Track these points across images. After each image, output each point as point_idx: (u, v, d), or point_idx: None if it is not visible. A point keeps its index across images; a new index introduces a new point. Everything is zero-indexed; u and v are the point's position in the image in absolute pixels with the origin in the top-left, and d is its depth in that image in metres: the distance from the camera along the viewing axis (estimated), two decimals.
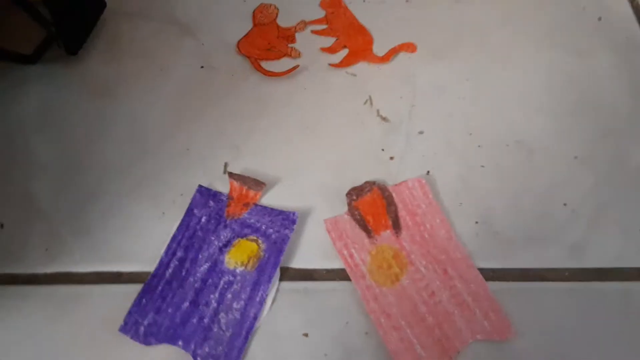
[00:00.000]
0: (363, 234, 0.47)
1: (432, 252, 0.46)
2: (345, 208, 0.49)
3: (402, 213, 0.48)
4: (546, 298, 0.45)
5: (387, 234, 0.47)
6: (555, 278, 0.46)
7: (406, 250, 0.46)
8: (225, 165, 0.52)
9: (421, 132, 0.54)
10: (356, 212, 0.48)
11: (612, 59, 0.59)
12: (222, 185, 0.50)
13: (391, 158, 0.52)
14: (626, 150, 0.52)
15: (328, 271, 0.46)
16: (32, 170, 0.51)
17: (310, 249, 0.47)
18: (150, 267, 0.46)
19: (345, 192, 0.49)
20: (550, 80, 0.57)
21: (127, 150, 0.52)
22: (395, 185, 0.49)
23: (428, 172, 0.51)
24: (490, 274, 0.46)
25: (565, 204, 0.49)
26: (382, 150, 0.53)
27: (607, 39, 0.61)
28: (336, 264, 0.47)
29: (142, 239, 0.47)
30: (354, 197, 0.49)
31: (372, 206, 0.48)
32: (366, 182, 0.49)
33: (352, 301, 0.45)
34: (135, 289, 0.45)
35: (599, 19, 0.62)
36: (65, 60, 0.58)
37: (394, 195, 0.49)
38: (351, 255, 0.47)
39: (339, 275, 0.46)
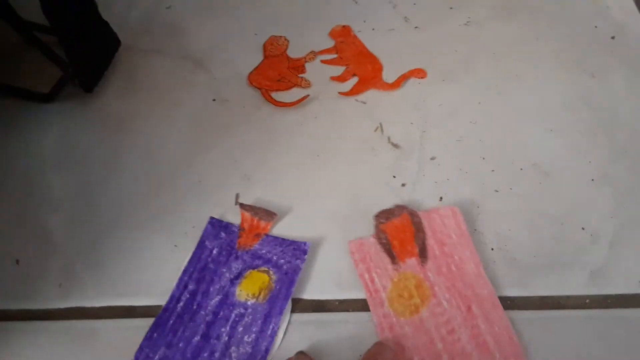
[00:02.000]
0: (387, 259, 0.46)
1: (458, 286, 0.44)
2: (358, 235, 0.48)
3: (430, 241, 0.47)
4: (566, 327, 0.43)
5: (413, 261, 0.46)
6: (575, 305, 0.44)
7: (430, 281, 0.45)
8: (237, 196, 0.52)
9: (433, 158, 0.53)
10: (383, 236, 0.47)
11: (627, 77, 0.58)
12: (234, 216, 0.50)
13: (403, 185, 0.52)
14: None
15: (340, 302, 0.46)
16: (48, 205, 0.52)
17: (323, 279, 0.47)
18: (162, 300, 0.46)
19: (356, 220, 0.49)
20: (564, 101, 0.56)
21: (140, 184, 0.53)
22: (427, 211, 0.48)
23: (441, 198, 0.51)
24: (508, 303, 0.44)
25: (583, 228, 0.48)
26: (394, 177, 0.52)
27: (621, 57, 0.60)
28: (349, 294, 0.46)
29: (155, 272, 0.48)
30: (382, 220, 0.48)
31: (400, 231, 0.47)
32: (396, 206, 0.48)
33: (365, 333, 0.44)
34: (147, 322, 0.45)
35: (612, 37, 0.62)
36: (81, 98, 0.59)
37: (424, 222, 0.47)
38: (372, 280, 0.45)
39: (352, 306, 0.45)
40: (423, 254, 0.46)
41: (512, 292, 0.45)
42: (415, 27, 0.64)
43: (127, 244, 0.49)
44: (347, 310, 0.45)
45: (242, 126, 0.57)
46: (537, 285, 0.45)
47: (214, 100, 0.59)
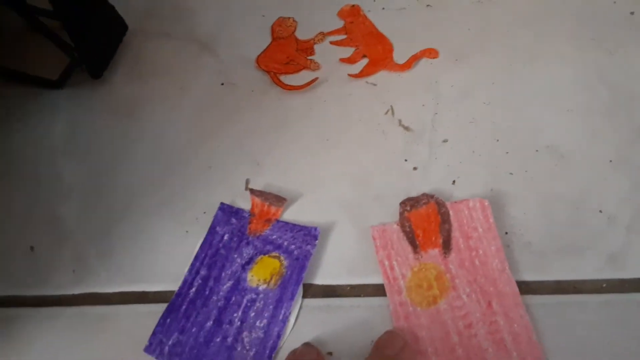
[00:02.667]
0: (409, 248, 0.46)
1: (479, 281, 0.43)
2: (369, 220, 0.48)
3: (455, 234, 0.46)
4: (582, 311, 0.43)
5: (435, 252, 0.45)
6: (591, 290, 0.44)
7: (451, 274, 0.44)
8: (247, 181, 0.51)
9: (445, 141, 0.52)
10: (407, 224, 0.47)
11: None
12: (244, 202, 0.50)
13: (414, 168, 0.51)
14: None
15: (352, 287, 0.45)
16: (60, 192, 0.52)
17: (333, 264, 0.47)
18: (174, 286, 0.46)
19: (367, 205, 0.49)
20: (580, 80, 0.55)
21: (150, 170, 0.53)
22: (455, 202, 0.47)
23: (454, 181, 0.50)
24: (523, 287, 0.43)
25: (600, 211, 0.47)
26: (405, 160, 0.51)
27: None
28: (360, 279, 0.46)
29: (166, 258, 0.48)
30: (408, 208, 0.47)
31: (425, 220, 0.46)
32: (424, 194, 0.47)
33: (376, 318, 0.44)
34: (160, 308, 0.45)
35: (632, 13, 0.59)
36: (90, 83, 0.59)
37: (451, 212, 0.46)
38: (392, 268, 0.45)
39: (363, 291, 0.45)
40: (447, 246, 0.45)
41: (527, 276, 0.44)
42: (427, 5, 0.62)
43: (138, 230, 0.49)
44: (359, 295, 0.45)
45: (251, 110, 0.56)
46: (552, 269, 0.45)
47: (222, 84, 0.58)
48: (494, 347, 0.41)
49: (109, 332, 0.45)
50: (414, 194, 0.49)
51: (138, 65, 0.60)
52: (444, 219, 0.46)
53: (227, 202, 0.50)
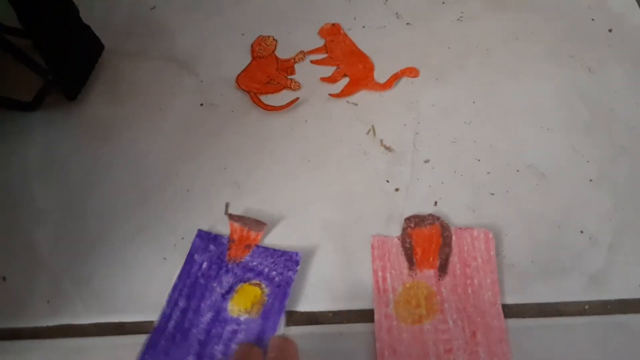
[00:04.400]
0: (405, 264, 0.46)
1: (469, 310, 0.43)
2: (352, 243, 0.48)
3: (454, 259, 0.46)
4: (565, 334, 0.42)
5: (430, 273, 0.45)
6: (574, 312, 0.43)
7: (442, 297, 0.44)
8: (227, 204, 0.51)
9: (427, 161, 0.52)
10: (408, 240, 0.47)
11: (625, 71, 0.57)
12: (224, 227, 0.49)
13: (397, 189, 0.50)
14: None
15: (334, 313, 0.45)
16: (34, 218, 0.51)
17: (315, 290, 0.46)
18: (152, 316, 0.45)
19: (349, 228, 0.48)
20: (560, 98, 0.55)
21: (127, 194, 0.52)
22: (460, 228, 0.47)
23: (436, 202, 0.49)
24: (507, 311, 0.43)
25: (582, 231, 0.47)
26: (387, 181, 0.51)
27: (619, 51, 0.58)
28: (342, 305, 0.45)
29: (144, 286, 0.47)
30: (412, 225, 0.47)
31: (427, 240, 0.46)
32: (430, 215, 0.48)
33: (359, 345, 0.43)
34: (137, 340, 0.44)
35: (610, 30, 0.60)
36: (65, 105, 0.58)
37: (453, 238, 0.46)
38: (384, 279, 0.45)
39: (346, 317, 0.44)
40: (443, 269, 0.45)
41: (509, 299, 0.44)
42: (407, 24, 0.62)
43: (114, 258, 0.48)
44: (341, 322, 0.44)
45: (231, 131, 0.55)
46: (535, 291, 0.44)
47: (201, 104, 0.57)
48: None
49: None
50: (396, 216, 0.49)
51: (115, 86, 0.59)
52: (446, 243, 0.46)
53: (206, 227, 0.49)
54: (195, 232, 0.49)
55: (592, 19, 0.61)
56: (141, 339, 0.44)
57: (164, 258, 0.48)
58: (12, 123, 0.57)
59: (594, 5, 0.62)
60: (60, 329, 0.45)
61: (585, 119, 0.53)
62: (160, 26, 0.64)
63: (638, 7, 0.61)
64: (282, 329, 0.44)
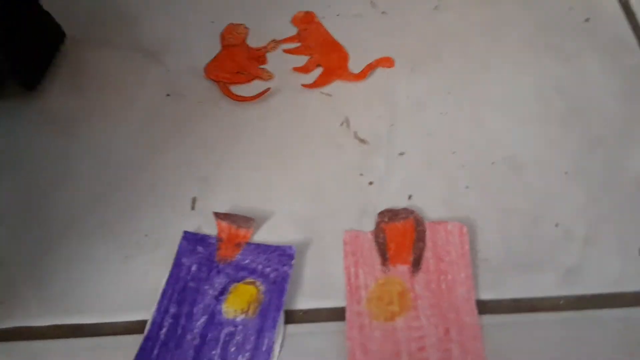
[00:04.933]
0: (378, 260, 0.44)
1: (442, 306, 0.42)
2: (323, 239, 0.46)
3: (428, 254, 0.44)
4: (540, 330, 0.41)
5: (404, 269, 0.44)
6: (549, 308, 0.43)
7: (415, 293, 0.43)
8: (194, 200, 0.49)
9: (402, 154, 0.50)
10: (381, 235, 0.45)
11: (602, 62, 0.56)
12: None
13: (370, 183, 0.49)
14: (619, 161, 0.49)
15: (305, 312, 0.43)
16: None
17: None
18: (112, 317, 0.43)
19: (320, 223, 0.47)
20: (536, 88, 0.54)
21: (89, 190, 0.49)
22: (433, 222, 0.46)
23: (410, 196, 0.48)
24: (481, 307, 0.42)
25: (557, 225, 0.46)
26: (361, 175, 0.50)
27: (595, 40, 0.58)
28: (314, 303, 0.43)
29: (104, 286, 0.44)
30: (385, 219, 0.46)
31: (401, 235, 0.45)
32: (404, 209, 0.46)
33: (331, 345, 0.41)
34: (97, 342, 0.42)
35: (587, 19, 0.59)
36: (24, 96, 0.55)
37: (427, 232, 0.45)
38: (357, 276, 0.44)
39: (317, 316, 0.43)
40: (416, 264, 0.44)
41: (483, 295, 0.43)
42: (382, 12, 0.61)
43: (73, 256, 0.46)
44: (313, 321, 0.43)
45: (199, 123, 0.53)
46: (509, 287, 0.43)
47: (168, 95, 0.55)
48: None
49: None
50: (370, 210, 0.47)
51: (77, 77, 0.57)
52: (419, 237, 0.45)
53: (172, 223, 0.47)
54: (159, 230, 0.47)
55: (570, 8, 0.60)
56: (101, 342, 0.42)
57: (126, 257, 0.46)
58: None
59: None
60: (15, 332, 0.43)
61: (560, 111, 0.53)
62: (126, 13, 0.61)
63: None
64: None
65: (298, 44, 0.59)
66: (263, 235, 0.47)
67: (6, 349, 0.42)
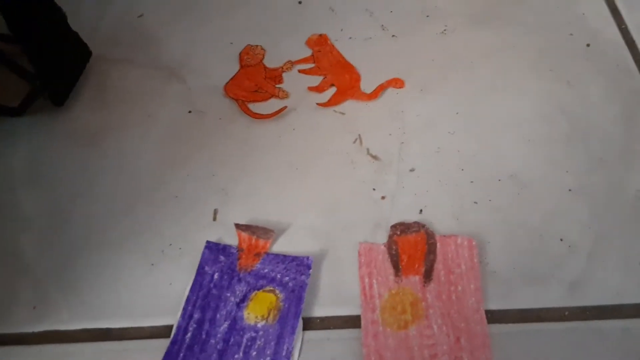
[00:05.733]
0: (391, 270, 0.47)
1: (453, 316, 0.44)
2: (338, 250, 0.48)
3: (438, 266, 0.47)
4: (545, 340, 0.43)
5: (415, 279, 0.46)
6: (554, 318, 0.45)
7: (427, 303, 0.45)
8: (215, 211, 0.51)
9: (412, 170, 0.53)
10: (394, 247, 0.48)
11: (603, 86, 0.58)
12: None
13: (382, 198, 0.51)
14: (621, 179, 0.51)
15: (321, 319, 0.45)
16: (19, 224, 0.51)
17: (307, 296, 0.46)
18: (139, 322, 0.45)
19: (335, 235, 0.49)
20: (540, 110, 0.57)
21: (114, 201, 0.52)
22: (444, 236, 0.48)
23: (421, 210, 0.50)
24: (489, 317, 0.44)
25: (562, 239, 0.48)
26: (374, 189, 0.52)
27: (596, 65, 0.60)
28: (329, 311, 0.45)
29: (131, 292, 0.47)
30: (398, 232, 0.48)
31: (412, 247, 0.47)
32: (415, 222, 0.49)
33: (347, 351, 0.43)
34: (124, 346, 0.44)
35: (587, 45, 0.62)
36: (52, 111, 0.57)
37: (438, 245, 0.48)
38: (371, 286, 0.46)
39: (333, 323, 0.45)
40: (428, 276, 0.46)
41: (492, 305, 0.45)
42: (393, 36, 0.64)
43: (101, 264, 0.48)
44: (329, 328, 0.45)
45: (219, 139, 0.56)
46: (516, 298, 0.46)
47: (189, 112, 0.58)
48: None
49: None
50: (382, 223, 0.50)
51: (102, 93, 0.59)
52: (431, 250, 0.47)
53: (195, 232, 0.49)
54: (183, 239, 0.49)
55: (571, 34, 0.63)
56: (127, 345, 0.44)
57: (152, 264, 0.48)
58: None
59: (572, 21, 0.64)
60: (46, 335, 0.45)
61: (565, 131, 0.55)
62: (148, 34, 0.64)
63: (614, 23, 0.64)
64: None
65: (312, 65, 0.62)
66: (281, 246, 0.49)
67: (37, 352, 0.44)
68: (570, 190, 0.51)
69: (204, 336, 0.44)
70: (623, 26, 0.64)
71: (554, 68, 0.60)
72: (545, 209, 0.50)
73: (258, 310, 0.45)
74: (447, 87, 0.59)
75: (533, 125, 0.56)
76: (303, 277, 0.46)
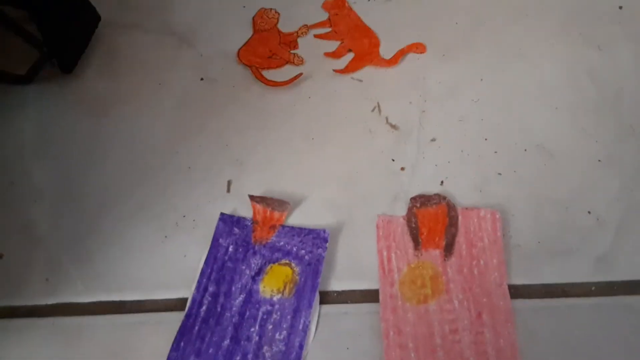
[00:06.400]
0: (410, 244, 0.45)
1: (475, 291, 0.43)
2: (356, 222, 0.47)
3: (460, 239, 0.45)
4: (571, 315, 0.42)
5: (436, 253, 0.45)
6: (580, 293, 0.43)
7: (447, 277, 0.44)
8: (229, 183, 0.50)
9: (433, 140, 0.51)
10: (413, 220, 0.46)
11: (635, 50, 0.55)
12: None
13: (402, 169, 0.50)
14: None
15: (339, 293, 0.44)
16: (31, 196, 0.50)
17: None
18: (153, 294, 0.44)
19: (353, 207, 0.48)
20: (569, 76, 0.54)
21: (126, 172, 0.50)
22: (466, 208, 0.46)
23: (442, 182, 0.49)
24: (512, 291, 0.43)
25: (589, 212, 0.46)
26: (393, 160, 0.50)
27: (629, 28, 0.57)
28: (347, 285, 0.44)
29: (145, 264, 0.46)
30: (417, 205, 0.47)
31: (433, 220, 0.46)
32: (436, 195, 0.47)
33: (364, 325, 0.42)
34: (138, 319, 0.43)
35: (620, 7, 0.59)
36: (61, 79, 0.56)
37: (460, 218, 0.46)
38: (389, 259, 0.45)
39: (350, 297, 0.44)
40: (449, 249, 0.45)
41: (515, 280, 0.44)
42: None
43: (114, 235, 0.47)
44: (346, 302, 0.44)
45: (232, 108, 0.54)
46: (541, 272, 0.44)
47: (201, 79, 0.56)
48: (476, 358, 0.40)
49: (87, 344, 0.43)
50: (401, 195, 0.48)
51: (112, 60, 0.58)
52: (452, 223, 0.46)
53: (208, 204, 0.48)
54: (196, 211, 0.48)
55: None
56: (142, 318, 0.43)
57: (165, 236, 0.47)
58: (5, 97, 0.55)
59: None
60: (60, 308, 0.45)
61: (594, 98, 0.52)
62: None
63: None
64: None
65: (329, 29, 0.59)
66: (296, 219, 0.48)
67: (51, 324, 0.44)
68: (599, 160, 0.49)
69: (219, 309, 0.43)
70: None
71: (583, 31, 0.57)
72: (572, 181, 0.48)
73: (274, 284, 0.44)
74: (471, 52, 0.56)
75: (561, 92, 0.53)
76: (320, 250, 0.45)
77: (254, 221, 0.47)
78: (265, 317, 0.43)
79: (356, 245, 0.46)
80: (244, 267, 0.45)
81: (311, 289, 0.43)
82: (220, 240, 0.46)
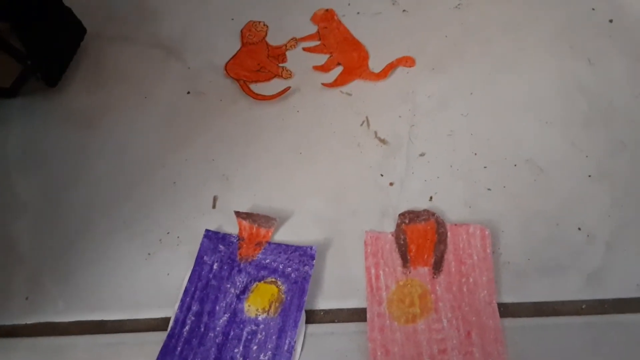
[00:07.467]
0: (399, 261, 0.44)
1: (464, 309, 0.42)
2: (343, 239, 0.46)
3: (449, 256, 0.44)
4: (561, 334, 0.41)
5: (424, 270, 0.44)
6: (570, 312, 0.42)
7: (436, 295, 0.43)
8: (215, 198, 0.49)
9: (422, 154, 0.50)
10: (402, 236, 0.45)
11: (625, 63, 0.55)
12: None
13: (391, 184, 0.49)
14: None
15: (325, 312, 0.43)
16: (13, 210, 0.49)
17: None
18: (135, 314, 0.43)
19: (340, 223, 0.47)
20: (559, 90, 0.53)
21: (110, 186, 0.50)
22: (455, 224, 0.46)
23: (431, 197, 0.48)
24: (502, 310, 0.42)
25: (580, 228, 0.46)
26: (381, 175, 0.49)
27: (619, 42, 0.57)
28: (334, 304, 0.44)
29: (127, 283, 0.45)
30: (406, 221, 0.46)
31: (421, 237, 0.45)
32: (425, 210, 0.46)
33: (351, 345, 0.41)
34: (119, 339, 0.42)
35: (610, 20, 0.58)
36: (46, 92, 0.55)
37: (449, 234, 0.45)
38: (377, 277, 0.44)
39: (338, 316, 0.43)
40: (437, 267, 0.44)
41: (505, 298, 0.43)
42: (403, 11, 0.60)
43: (97, 252, 0.46)
44: (333, 321, 0.43)
45: (219, 121, 0.53)
46: (531, 290, 0.43)
47: (188, 92, 0.55)
48: None
49: None
50: (390, 211, 0.47)
51: (98, 72, 0.57)
52: (441, 239, 0.45)
53: (193, 221, 0.47)
54: (181, 228, 0.47)
55: (593, 9, 0.59)
56: (123, 338, 0.42)
57: (149, 254, 0.46)
58: None
59: None
60: (40, 327, 0.44)
61: (584, 112, 0.52)
62: (146, 9, 0.62)
63: None
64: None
65: (318, 42, 0.58)
66: (283, 235, 0.47)
67: (31, 344, 0.43)
68: (589, 176, 0.48)
69: (202, 329, 0.42)
70: None
71: (574, 45, 0.57)
72: (562, 196, 0.47)
73: (259, 303, 0.43)
74: (460, 65, 0.55)
75: (551, 106, 0.52)
76: (306, 267, 0.44)
77: (239, 238, 0.46)
78: (249, 337, 0.42)
79: (344, 262, 0.45)
80: (228, 286, 0.44)
81: (297, 308, 0.42)
82: (205, 258, 0.45)
